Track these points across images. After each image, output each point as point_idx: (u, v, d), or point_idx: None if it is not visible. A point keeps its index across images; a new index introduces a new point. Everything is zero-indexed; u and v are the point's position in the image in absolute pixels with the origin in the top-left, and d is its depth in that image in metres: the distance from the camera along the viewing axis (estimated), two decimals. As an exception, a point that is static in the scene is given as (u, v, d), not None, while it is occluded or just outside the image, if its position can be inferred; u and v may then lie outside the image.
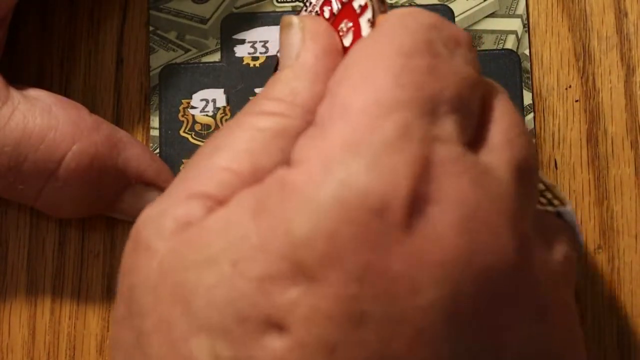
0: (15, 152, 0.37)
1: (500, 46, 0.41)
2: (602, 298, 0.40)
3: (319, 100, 0.32)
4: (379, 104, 0.30)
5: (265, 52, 0.42)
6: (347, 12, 0.34)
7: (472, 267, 0.29)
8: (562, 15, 0.42)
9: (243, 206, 0.30)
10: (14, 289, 0.41)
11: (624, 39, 0.41)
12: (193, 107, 0.41)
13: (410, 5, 0.42)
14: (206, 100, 0.41)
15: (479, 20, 0.42)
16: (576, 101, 0.41)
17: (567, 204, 0.35)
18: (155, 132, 0.41)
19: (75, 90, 0.42)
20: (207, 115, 0.41)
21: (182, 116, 0.41)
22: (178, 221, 0.31)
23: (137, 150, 0.39)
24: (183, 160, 0.41)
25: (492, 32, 0.42)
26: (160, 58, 0.42)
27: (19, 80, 0.39)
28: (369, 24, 0.33)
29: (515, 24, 0.42)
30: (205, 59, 0.42)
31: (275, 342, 0.28)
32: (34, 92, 0.39)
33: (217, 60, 0.42)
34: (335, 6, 0.35)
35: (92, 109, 0.40)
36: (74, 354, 0.40)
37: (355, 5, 0.34)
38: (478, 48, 0.41)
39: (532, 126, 0.41)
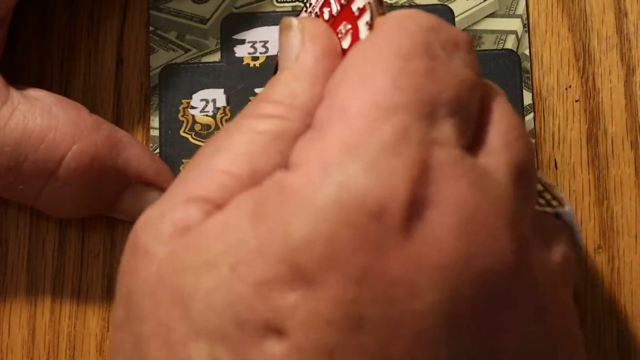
0: (15, 152, 0.37)
1: (500, 46, 0.41)
2: (602, 298, 0.40)
3: (318, 103, 0.32)
4: (377, 107, 0.30)
5: (265, 52, 0.42)
6: (346, 14, 0.34)
7: (471, 270, 0.29)
8: (562, 15, 0.42)
9: (242, 210, 0.30)
10: (14, 289, 0.41)
11: (624, 39, 0.41)
12: (193, 107, 0.41)
13: (410, 5, 0.42)
14: (206, 100, 0.41)
15: (479, 20, 0.42)
16: (576, 101, 0.41)
17: (566, 204, 0.35)
18: (155, 132, 0.41)
19: (75, 90, 0.42)
20: (207, 115, 0.41)
21: (182, 116, 0.41)
22: (176, 225, 0.31)
23: (137, 150, 0.39)
24: (183, 160, 0.41)
25: (492, 32, 0.42)
26: (160, 58, 0.42)
27: (19, 80, 0.39)
28: (367, 27, 0.33)
29: (515, 24, 0.42)
30: (205, 59, 0.42)
31: (274, 347, 0.28)
32: (34, 92, 0.39)
33: (217, 60, 0.42)
34: (335, 8, 0.35)
35: (92, 109, 0.40)
36: (73, 354, 0.40)
37: (354, 7, 0.34)
38: (478, 48, 0.41)
39: (532, 126, 0.41)
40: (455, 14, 0.42)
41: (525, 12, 0.42)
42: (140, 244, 0.31)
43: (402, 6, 0.42)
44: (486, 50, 0.41)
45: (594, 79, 0.41)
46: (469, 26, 0.42)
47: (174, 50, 0.42)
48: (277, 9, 0.42)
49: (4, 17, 0.39)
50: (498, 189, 0.30)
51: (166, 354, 0.29)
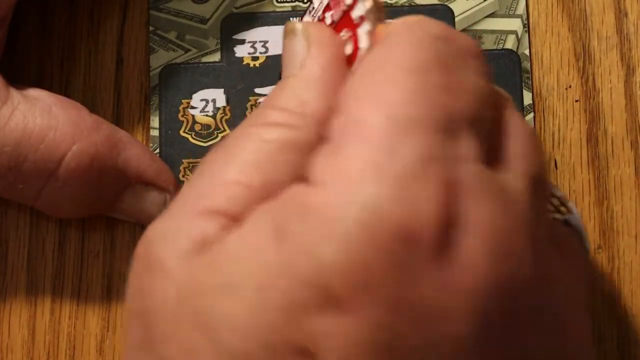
0: (15, 152, 0.37)
1: (500, 46, 0.41)
2: (602, 298, 0.40)
3: (327, 112, 0.31)
4: (395, 123, 0.29)
5: (265, 52, 0.42)
6: (346, 21, 0.34)
7: (501, 291, 0.28)
8: (562, 15, 0.42)
9: (262, 227, 0.29)
10: (14, 289, 0.41)
11: (624, 39, 0.41)
12: (193, 107, 0.41)
13: (410, 5, 0.42)
14: (206, 100, 0.41)
15: (479, 20, 0.42)
16: (576, 101, 0.41)
17: (573, 209, 0.35)
18: (155, 132, 0.41)
19: (75, 90, 0.42)
20: (207, 115, 0.41)
21: (182, 116, 0.41)
22: (193, 241, 0.30)
23: (137, 150, 0.39)
24: (183, 160, 0.41)
25: (492, 32, 0.42)
26: (160, 58, 0.42)
27: (19, 80, 0.39)
28: (368, 36, 0.32)
29: (515, 24, 0.42)
30: (205, 59, 0.42)
31: None
32: (34, 92, 0.39)
33: (217, 60, 0.42)
34: (336, 14, 0.34)
35: (92, 109, 0.40)
36: (73, 354, 0.40)
37: (354, 15, 0.33)
38: (478, 48, 0.41)
39: (532, 126, 0.41)
40: (455, 14, 0.42)
41: (525, 12, 0.42)
42: (154, 260, 0.30)
43: (402, 6, 0.42)
44: (486, 50, 0.41)
45: (594, 79, 0.41)
46: (469, 26, 0.42)
47: (174, 50, 0.42)
48: (277, 9, 0.42)
49: (4, 16, 0.39)
50: (519, 204, 0.30)
51: None
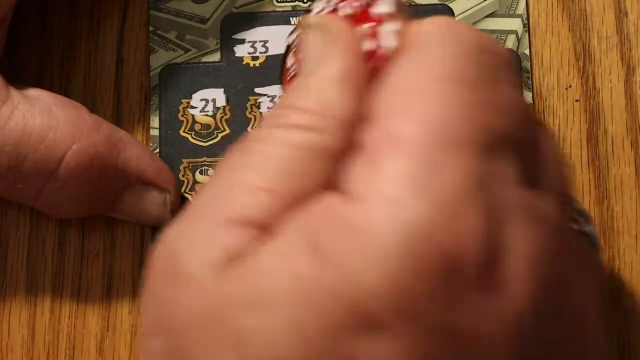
0: (15, 151, 0.37)
1: (500, 46, 0.41)
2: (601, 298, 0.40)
3: (354, 116, 0.30)
4: (437, 140, 0.28)
5: (265, 52, 0.42)
6: (365, 15, 0.32)
7: (540, 317, 0.28)
8: (562, 15, 0.42)
9: (296, 241, 0.28)
10: (13, 289, 0.41)
11: (624, 39, 0.41)
12: (193, 107, 0.41)
13: (410, 5, 0.42)
14: (206, 100, 0.41)
15: (479, 20, 0.42)
16: (576, 101, 0.41)
17: (589, 220, 0.34)
18: (155, 132, 0.41)
19: (75, 90, 0.42)
20: (207, 115, 0.41)
21: (182, 116, 0.41)
22: (225, 252, 0.28)
23: (137, 150, 0.39)
24: (183, 160, 0.41)
25: (492, 31, 0.42)
26: (160, 58, 0.42)
27: (19, 80, 0.39)
28: (395, 36, 0.31)
29: (515, 24, 0.42)
30: (205, 59, 0.42)
31: None
32: (34, 92, 0.39)
33: (217, 60, 0.42)
34: (354, 6, 0.32)
35: (92, 109, 0.40)
36: (73, 354, 0.40)
37: (377, 11, 0.31)
38: (478, 48, 0.41)
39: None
40: (456, 14, 0.42)
41: (525, 12, 0.42)
42: (182, 271, 0.29)
43: (402, 6, 0.42)
44: (486, 50, 0.41)
45: (594, 78, 0.41)
46: (469, 26, 0.42)
47: (174, 50, 0.42)
48: (277, 9, 0.42)
49: (4, 16, 0.39)
50: (556, 229, 0.29)
51: None
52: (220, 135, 0.41)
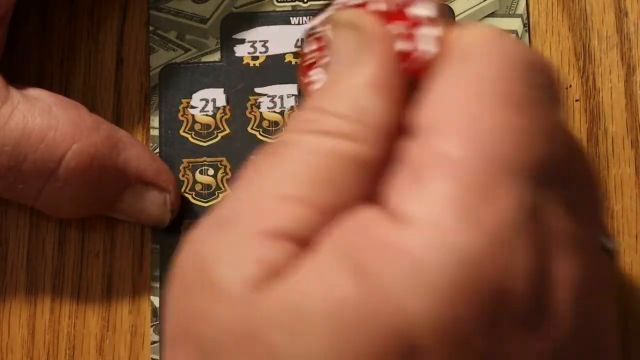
0: (15, 151, 0.37)
1: (501, 46, 0.41)
2: (602, 298, 0.40)
3: (392, 126, 0.28)
4: (489, 164, 0.27)
5: (265, 52, 0.42)
6: (400, 15, 0.30)
7: (581, 348, 0.28)
8: (563, 15, 0.42)
9: (337, 260, 0.27)
10: (13, 289, 0.41)
11: (624, 39, 0.41)
12: (193, 107, 0.41)
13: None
14: (206, 100, 0.41)
15: (479, 20, 0.42)
16: (576, 101, 0.41)
17: (608, 233, 0.34)
18: (155, 132, 0.41)
19: (75, 90, 0.42)
20: (207, 115, 0.41)
21: (182, 116, 0.41)
22: (261, 267, 0.27)
23: (137, 150, 0.39)
24: (183, 160, 0.41)
25: (492, 31, 0.42)
26: (160, 58, 0.42)
27: (19, 80, 0.39)
28: (436, 42, 0.29)
29: (515, 24, 0.42)
30: (205, 59, 0.42)
31: None
32: (34, 92, 0.39)
33: (217, 60, 0.42)
34: (387, 3, 0.30)
35: (92, 109, 0.40)
36: (73, 354, 0.40)
37: (415, 12, 0.29)
38: (478, 48, 0.41)
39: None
40: (456, 14, 0.42)
41: (525, 12, 0.42)
42: (216, 282, 0.27)
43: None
44: (486, 49, 0.41)
45: (594, 78, 0.41)
46: (469, 26, 0.42)
47: (174, 50, 0.42)
48: (277, 9, 0.42)
49: (3, 15, 0.39)
50: (596, 260, 0.29)
51: None
52: (220, 135, 0.41)
